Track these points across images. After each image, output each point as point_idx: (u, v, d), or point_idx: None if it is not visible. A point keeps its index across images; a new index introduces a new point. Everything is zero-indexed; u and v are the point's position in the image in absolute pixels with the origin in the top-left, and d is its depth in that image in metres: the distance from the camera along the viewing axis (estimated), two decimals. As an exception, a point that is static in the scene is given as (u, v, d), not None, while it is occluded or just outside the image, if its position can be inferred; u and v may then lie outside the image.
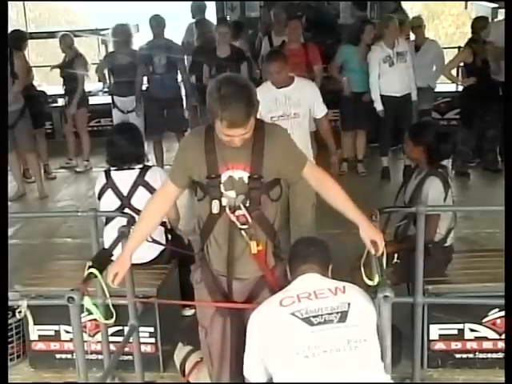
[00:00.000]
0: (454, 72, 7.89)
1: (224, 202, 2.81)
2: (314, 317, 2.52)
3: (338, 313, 2.53)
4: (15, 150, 7.01)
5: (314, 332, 2.50)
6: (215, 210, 2.82)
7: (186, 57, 7.62)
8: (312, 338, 2.50)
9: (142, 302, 3.50)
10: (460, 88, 9.02)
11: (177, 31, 8.94)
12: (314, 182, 2.96)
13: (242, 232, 2.82)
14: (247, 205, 2.80)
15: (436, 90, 7.76)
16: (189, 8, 8.63)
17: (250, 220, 2.80)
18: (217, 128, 2.66)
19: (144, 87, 7.42)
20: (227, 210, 2.80)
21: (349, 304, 2.56)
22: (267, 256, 2.93)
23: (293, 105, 4.71)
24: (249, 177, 2.79)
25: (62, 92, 8.03)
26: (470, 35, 7.24)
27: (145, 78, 7.28)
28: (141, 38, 7.71)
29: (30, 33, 7.45)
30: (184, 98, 7.55)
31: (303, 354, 2.48)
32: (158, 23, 7.13)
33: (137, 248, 3.01)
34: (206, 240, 2.94)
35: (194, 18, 8.41)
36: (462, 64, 7.74)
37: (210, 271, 2.98)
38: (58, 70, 8.09)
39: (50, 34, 8.66)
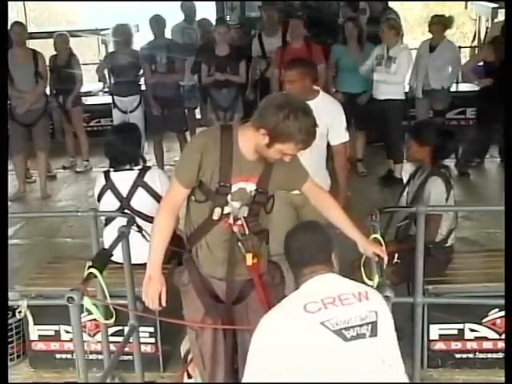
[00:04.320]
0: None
1: (226, 210, 2.81)
2: (345, 329, 2.26)
3: (368, 324, 2.30)
4: (26, 150, 7.10)
5: (349, 349, 2.25)
6: (216, 216, 2.82)
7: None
8: (347, 357, 2.25)
9: (143, 315, 3.49)
10: (460, 88, 9.06)
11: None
12: (314, 198, 3.02)
13: (239, 243, 2.83)
14: (246, 215, 2.82)
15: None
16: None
17: (247, 231, 2.82)
18: (278, 148, 2.65)
19: (144, 87, 7.43)
20: (231, 219, 2.81)
21: (376, 313, 2.34)
22: (262, 261, 2.95)
23: None
24: (256, 190, 2.81)
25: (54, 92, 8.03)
26: (470, 35, 7.23)
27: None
28: (141, 38, 7.71)
29: (30, 33, 7.44)
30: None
31: (335, 374, 2.22)
32: (157, 23, 7.14)
33: (161, 260, 2.93)
34: (197, 243, 2.93)
35: (185, 18, 8.41)
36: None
37: (198, 272, 2.97)
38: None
39: (50, 34, 8.68)
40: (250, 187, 2.81)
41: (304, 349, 2.25)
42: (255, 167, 2.79)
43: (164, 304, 2.91)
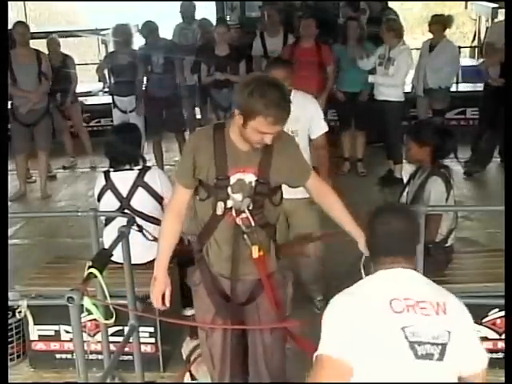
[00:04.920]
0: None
1: (229, 203, 2.81)
2: (418, 344, 2.10)
3: (438, 345, 2.13)
4: (28, 150, 7.14)
5: (416, 368, 2.10)
6: (219, 211, 2.82)
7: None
8: (412, 374, 2.10)
9: (143, 315, 3.49)
10: (460, 88, 9.05)
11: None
12: (316, 194, 3.00)
13: (245, 236, 2.82)
14: (250, 208, 2.81)
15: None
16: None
17: (253, 223, 2.81)
18: (252, 126, 2.64)
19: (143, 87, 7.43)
20: (233, 212, 2.80)
21: (449, 334, 2.15)
22: (270, 259, 2.95)
23: (291, 121, 4.25)
24: (256, 181, 2.80)
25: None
26: (470, 35, 7.23)
27: (144, 78, 7.31)
28: (141, 38, 7.70)
29: (31, 33, 7.47)
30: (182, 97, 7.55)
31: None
32: (149, 30, 7.13)
33: (167, 262, 2.98)
34: (206, 241, 2.94)
35: (183, 18, 8.41)
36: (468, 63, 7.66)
37: (209, 272, 2.98)
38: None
39: (50, 34, 8.72)
40: (249, 178, 2.80)
41: (377, 347, 2.10)
42: (250, 158, 2.79)
43: (168, 304, 2.95)
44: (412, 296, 2.18)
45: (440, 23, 7.15)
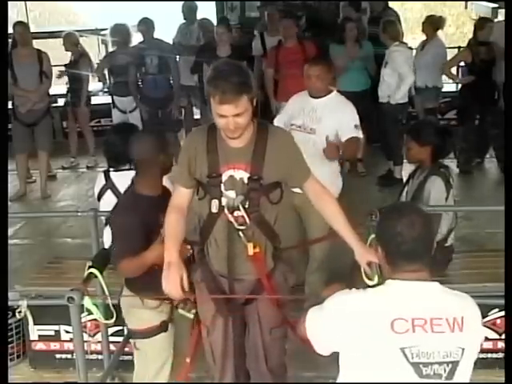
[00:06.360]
0: (453, 71, 7.88)
1: (223, 201, 2.81)
2: (424, 364, 2.04)
3: (448, 364, 2.05)
4: (28, 149, 7.14)
5: None
6: (214, 209, 2.82)
7: (177, 57, 7.64)
8: None
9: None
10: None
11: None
12: (314, 197, 2.97)
13: (240, 233, 2.81)
14: (246, 206, 2.79)
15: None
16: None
17: (248, 221, 2.80)
18: (213, 111, 2.66)
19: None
20: (225, 209, 2.80)
21: (462, 351, 2.07)
22: (266, 258, 2.94)
23: (313, 119, 4.22)
24: (248, 177, 2.79)
25: (64, 91, 8.07)
26: (470, 35, 7.25)
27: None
28: (140, 38, 7.70)
29: (31, 33, 7.47)
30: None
31: None
32: (147, 26, 7.12)
33: (179, 245, 2.84)
34: (206, 240, 2.94)
35: (185, 18, 8.40)
36: (462, 63, 7.74)
37: (209, 271, 2.98)
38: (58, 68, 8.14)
39: (50, 34, 8.73)
40: (239, 174, 2.79)
41: (372, 364, 2.07)
42: (241, 154, 2.78)
43: (186, 289, 2.74)
44: (424, 314, 2.07)
45: (431, 24, 7.31)
